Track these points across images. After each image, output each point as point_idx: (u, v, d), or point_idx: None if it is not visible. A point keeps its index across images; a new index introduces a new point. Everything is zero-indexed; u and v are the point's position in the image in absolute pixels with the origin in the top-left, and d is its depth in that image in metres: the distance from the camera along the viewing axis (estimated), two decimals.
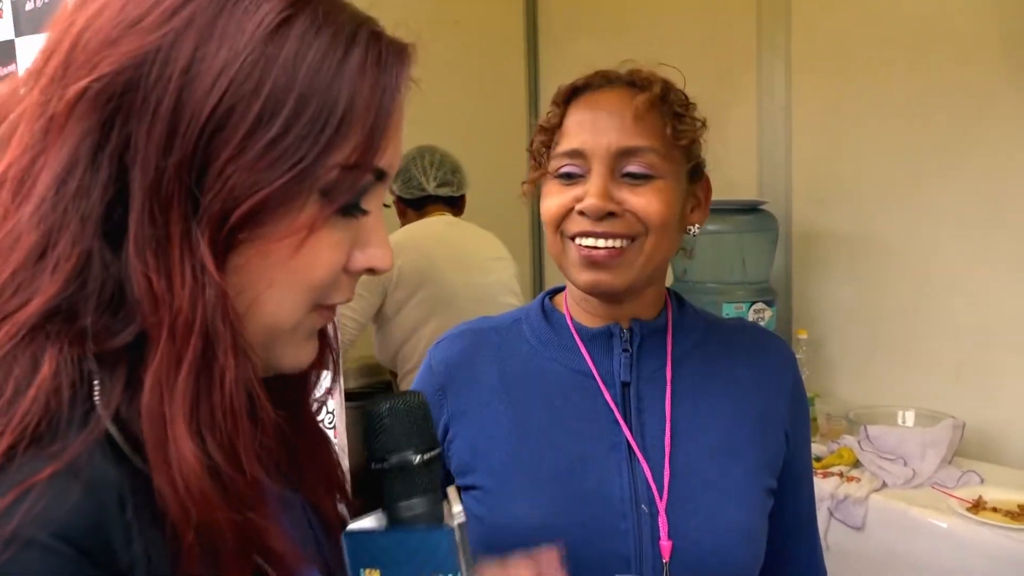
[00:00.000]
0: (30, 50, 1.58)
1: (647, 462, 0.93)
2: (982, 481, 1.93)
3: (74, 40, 0.52)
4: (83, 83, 0.50)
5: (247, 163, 0.51)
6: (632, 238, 0.92)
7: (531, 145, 1.00)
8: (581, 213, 0.91)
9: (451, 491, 0.66)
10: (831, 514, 1.95)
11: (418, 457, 0.63)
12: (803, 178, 2.51)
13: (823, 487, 1.97)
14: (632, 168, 0.91)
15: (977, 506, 1.81)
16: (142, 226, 0.51)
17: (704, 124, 0.98)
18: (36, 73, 0.54)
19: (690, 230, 0.99)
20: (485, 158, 2.66)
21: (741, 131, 2.58)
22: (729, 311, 2.13)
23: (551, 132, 0.96)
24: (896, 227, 2.33)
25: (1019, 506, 1.79)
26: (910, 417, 2.17)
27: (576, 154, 0.93)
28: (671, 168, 0.93)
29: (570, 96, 0.97)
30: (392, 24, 0.59)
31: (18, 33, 1.45)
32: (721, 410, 0.98)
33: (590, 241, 0.91)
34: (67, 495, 0.46)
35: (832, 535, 1.95)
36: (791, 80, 2.50)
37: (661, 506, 0.91)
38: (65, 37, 0.53)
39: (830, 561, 1.94)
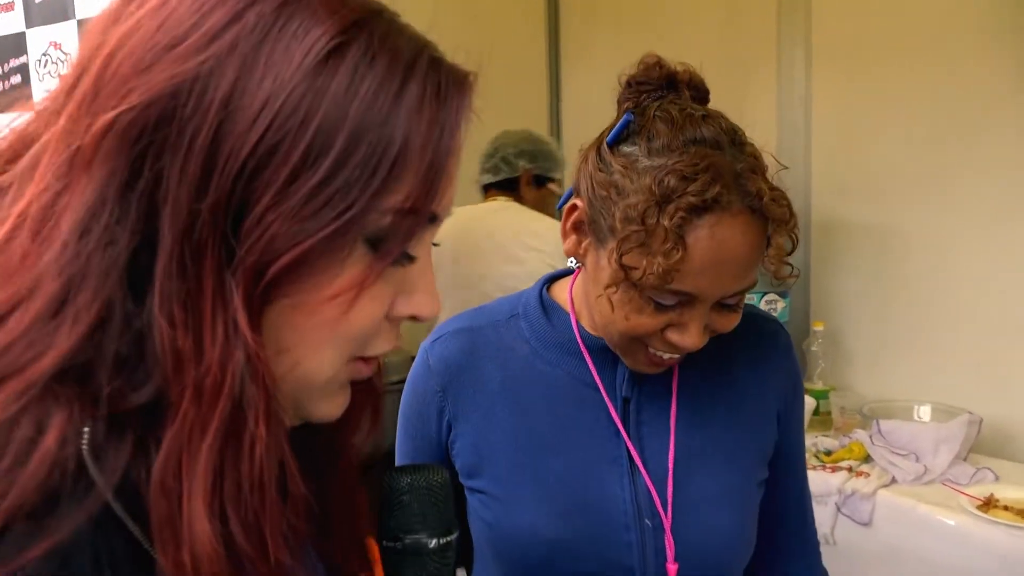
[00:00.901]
0: (40, 42, 1.63)
1: (649, 476, 0.92)
2: (996, 479, 1.89)
3: (105, 61, 0.47)
4: (112, 114, 0.45)
5: (290, 209, 0.46)
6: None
7: (606, 225, 0.85)
8: (670, 341, 0.85)
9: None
10: (838, 509, 1.93)
11: (434, 541, 0.61)
12: (822, 169, 2.47)
13: (831, 481, 1.95)
14: (731, 301, 0.86)
15: (988, 504, 1.77)
16: (170, 275, 0.45)
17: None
18: (64, 93, 0.49)
19: None
20: None
21: (760, 121, 2.51)
22: None
23: (665, 263, 0.78)
24: (916, 219, 2.28)
25: None
26: (926, 412, 2.13)
27: (686, 295, 0.82)
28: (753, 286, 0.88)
29: (699, 207, 0.79)
30: (425, 27, 0.53)
31: (29, 24, 1.49)
32: (720, 410, 0.97)
33: (663, 356, 0.88)
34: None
35: (839, 530, 1.93)
36: (811, 71, 2.47)
37: (667, 524, 0.91)
38: (95, 56, 0.47)
39: (836, 556, 1.93)
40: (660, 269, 0.79)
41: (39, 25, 1.43)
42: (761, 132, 2.70)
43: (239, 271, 0.46)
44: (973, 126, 2.14)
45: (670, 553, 0.90)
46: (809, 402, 2.22)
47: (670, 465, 0.92)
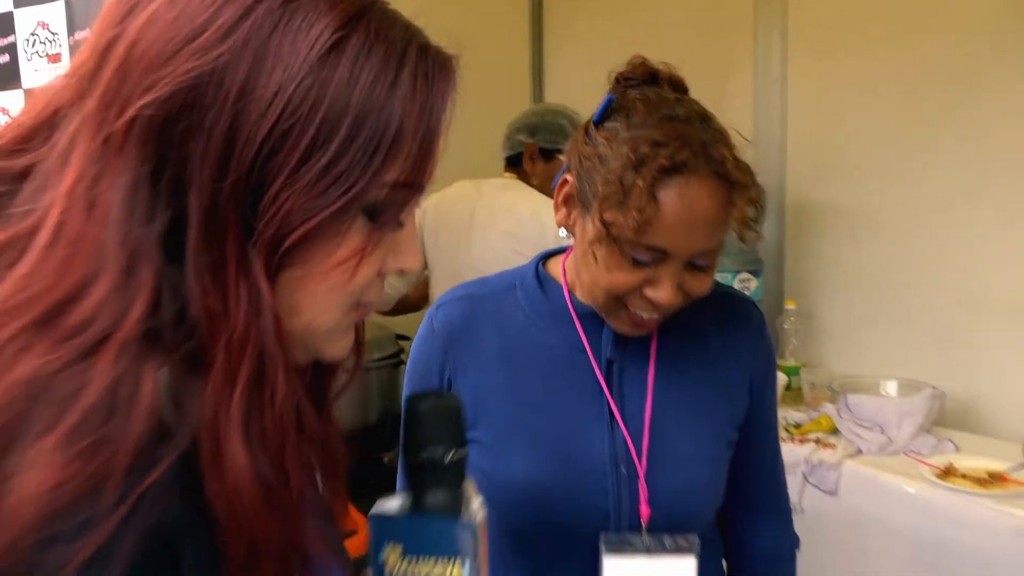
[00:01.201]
0: (29, 22, 1.67)
1: (627, 430, 1.01)
2: (957, 450, 1.96)
3: (127, 51, 0.51)
4: (141, 103, 0.50)
5: (302, 188, 0.51)
6: (677, 308, 0.97)
7: (589, 190, 0.95)
8: (647, 298, 0.94)
9: (470, 487, 0.71)
10: (805, 479, 2.00)
11: (448, 455, 0.69)
12: (798, 152, 2.54)
13: (798, 452, 2.02)
14: (701, 262, 0.95)
15: (947, 473, 1.84)
16: (199, 248, 0.51)
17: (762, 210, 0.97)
18: (87, 77, 0.53)
19: None
20: (487, 134, 2.70)
21: (737, 104, 2.60)
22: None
23: (640, 212, 0.89)
24: (887, 201, 2.34)
25: (988, 473, 1.81)
26: (892, 387, 2.19)
27: (659, 251, 0.92)
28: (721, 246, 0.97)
29: (665, 171, 0.89)
30: (412, 13, 0.58)
31: (17, 4, 1.53)
32: (694, 375, 1.06)
33: (643, 315, 0.97)
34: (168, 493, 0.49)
35: (806, 499, 2.00)
36: (787, 55, 2.52)
37: (641, 472, 1.00)
38: (115, 45, 0.52)
39: (804, 524, 1.99)
40: (635, 223, 0.88)
41: (27, 5, 1.47)
42: (738, 115, 2.80)
43: (258, 243, 0.52)
44: (943, 110, 2.20)
45: (643, 497, 0.99)
46: (781, 378, 2.29)
47: (646, 421, 1.01)
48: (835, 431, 2.08)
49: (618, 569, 0.97)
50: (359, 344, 0.67)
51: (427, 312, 1.12)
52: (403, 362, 2.65)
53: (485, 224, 2.31)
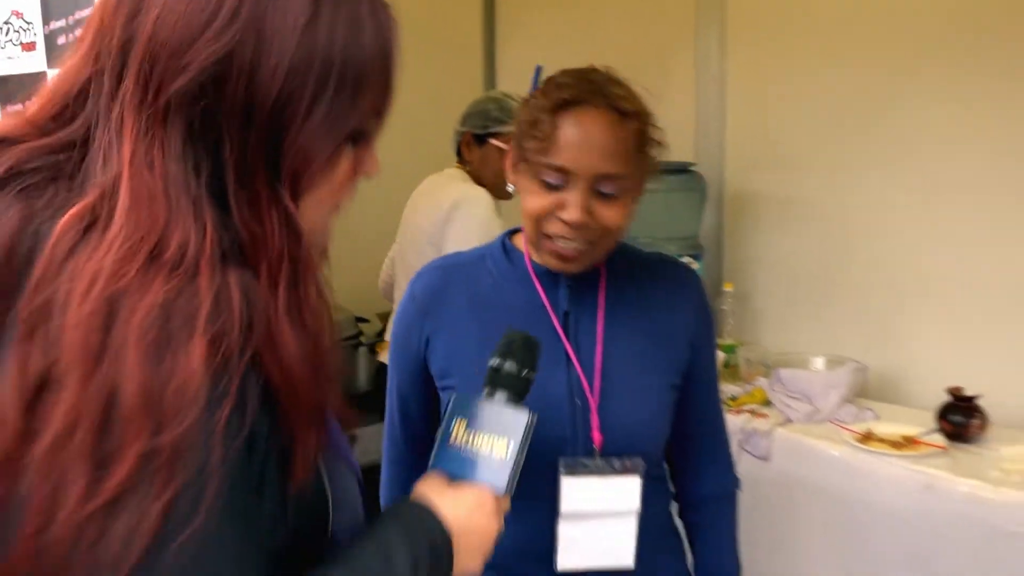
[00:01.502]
0: (3, 11, 1.74)
1: (582, 370, 1.17)
2: (876, 417, 2.15)
3: (149, 39, 0.64)
4: (176, 85, 0.63)
5: (310, 131, 0.66)
6: (594, 242, 1.13)
7: (517, 137, 1.14)
8: (561, 220, 1.10)
9: (528, 410, 0.92)
10: (741, 446, 2.17)
11: (523, 372, 0.93)
12: (735, 143, 2.71)
13: (735, 422, 2.18)
14: (606, 189, 1.10)
15: (867, 438, 2.02)
16: (238, 189, 0.65)
17: (663, 145, 1.16)
18: (115, 68, 0.66)
19: None
20: (440, 124, 2.80)
21: (679, 100, 2.76)
22: None
23: (543, 140, 1.09)
24: (818, 191, 2.53)
25: (903, 437, 2.00)
26: (820, 362, 2.38)
27: (563, 170, 1.09)
28: (633, 184, 1.14)
29: (560, 105, 1.09)
30: None
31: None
32: (639, 327, 1.22)
33: (563, 243, 1.12)
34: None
35: (742, 465, 2.16)
36: (726, 52, 2.69)
37: (593, 404, 1.16)
38: (137, 36, 0.64)
39: (740, 489, 2.17)
40: (540, 144, 1.09)
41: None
42: (679, 109, 2.96)
43: (283, 179, 0.67)
44: (869, 105, 2.39)
45: (595, 425, 1.15)
46: (719, 356, 2.46)
47: (597, 362, 1.17)
48: (768, 402, 2.25)
49: (574, 487, 1.13)
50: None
51: (409, 282, 1.28)
52: (362, 343, 2.77)
53: (408, 219, 2.46)
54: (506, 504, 0.89)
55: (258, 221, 0.66)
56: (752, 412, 2.21)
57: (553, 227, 1.11)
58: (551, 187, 1.10)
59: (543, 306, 1.19)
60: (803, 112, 2.53)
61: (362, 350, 2.72)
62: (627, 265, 1.25)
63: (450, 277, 1.24)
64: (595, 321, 1.19)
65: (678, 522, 1.36)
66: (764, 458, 2.14)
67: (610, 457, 1.15)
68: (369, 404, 1.83)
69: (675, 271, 1.29)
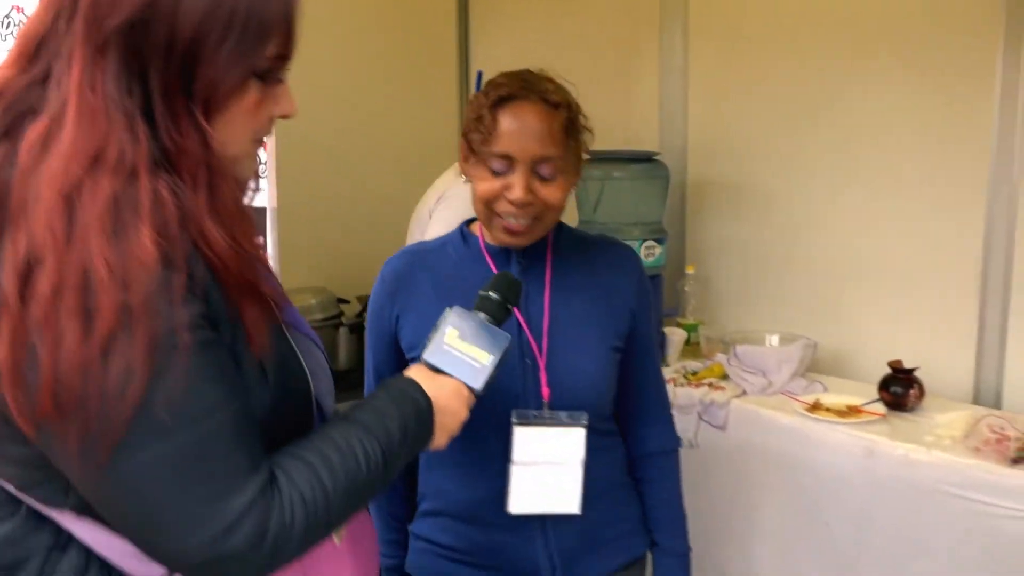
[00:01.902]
0: (3, 6, 1.83)
1: (531, 334, 1.34)
2: (825, 389, 2.33)
3: None
4: (113, 22, 0.80)
5: (219, 65, 0.83)
6: (538, 217, 1.31)
7: (465, 133, 1.34)
8: (508, 200, 1.28)
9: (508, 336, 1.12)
10: (700, 417, 2.33)
11: (505, 302, 1.15)
12: (697, 134, 2.86)
13: (694, 395, 2.35)
14: (544, 171, 1.29)
15: (815, 407, 2.20)
16: (162, 109, 0.83)
17: (591, 132, 1.37)
18: (66, 12, 0.82)
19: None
20: (413, 120, 2.90)
21: (645, 93, 2.92)
22: None
23: (486, 133, 1.29)
24: (773, 177, 2.69)
25: (847, 407, 2.18)
26: (774, 339, 2.55)
27: (506, 156, 1.28)
28: (568, 165, 1.32)
29: (499, 102, 1.29)
30: None
31: None
32: (583, 297, 1.39)
33: (512, 220, 1.30)
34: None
35: (700, 434, 2.34)
36: (689, 48, 2.84)
37: (542, 363, 1.33)
38: None
39: (699, 456, 2.35)
40: (484, 136, 1.28)
41: None
42: (645, 101, 3.12)
43: (199, 103, 0.84)
44: (822, 97, 2.55)
45: (543, 381, 1.32)
46: (681, 333, 2.63)
47: (544, 327, 1.35)
48: (725, 376, 2.42)
49: (525, 436, 1.30)
50: (255, 174, 1.02)
51: (380, 269, 1.44)
52: (343, 324, 2.89)
53: (415, 210, 2.55)
54: (472, 402, 1.07)
55: (179, 134, 0.83)
56: (711, 385, 2.38)
57: (502, 207, 1.29)
58: (497, 173, 1.28)
59: None
60: (759, 105, 2.69)
61: (343, 330, 2.84)
62: (573, 245, 1.42)
63: (416, 262, 1.42)
64: (543, 292, 1.36)
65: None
66: (721, 427, 2.30)
67: (558, 411, 1.31)
68: (350, 381, 1.94)
69: (616, 250, 1.47)
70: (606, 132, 2.65)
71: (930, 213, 2.37)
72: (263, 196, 1.95)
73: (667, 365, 2.55)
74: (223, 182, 0.86)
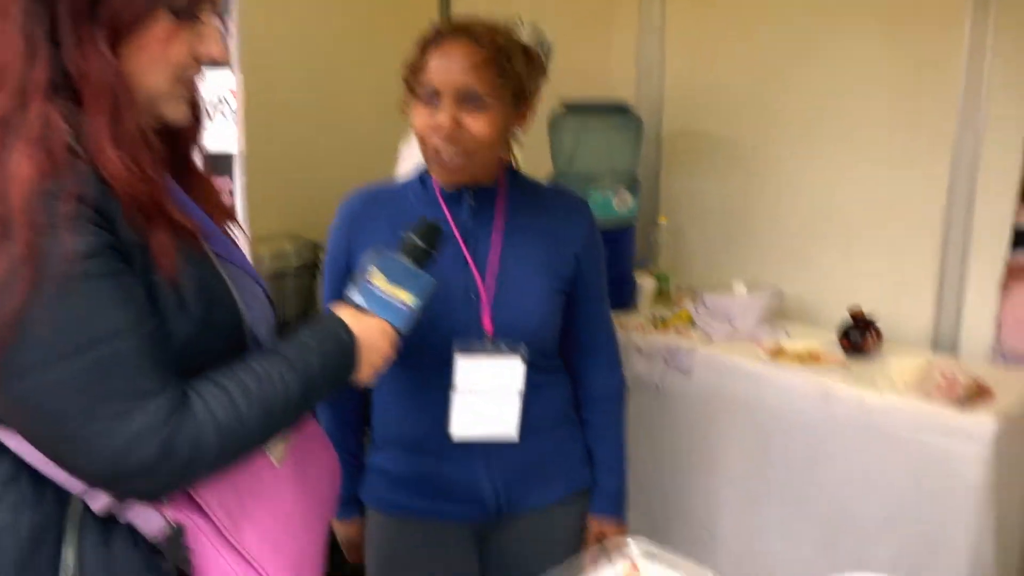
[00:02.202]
0: None
1: (477, 272, 1.39)
2: (788, 336, 2.39)
3: None
4: None
5: None
6: (470, 153, 1.34)
7: (404, 77, 1.39)
8: (435, 131, 1.32)
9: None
10: (666, 362, 2.39)
11: (426, 246, 1.17)
12: (674, 87, 2.89)
13: (662, 341, 2.41)
14: (470, 103, 1.32)
15: (777, 353, 2.26)
16: (68, 36, 0.86)
17: (538, 62, 1.40)
18: None
19: (515, 133, 1.44)
20: (393, 53, 2.88)
21: (623, 45, 2.95)
22: (596, 195, 2.51)
23: (417, 72, 1.35)
24: (746, 130, 2.73)
25: (808, 353, 2.24)
26: (742, 288, 2.60)
27: (433, 89, 1.33)
28: (499, 103, 1.35)
29: (428, 43, 1.35)
30: None
31: None
32: (530, 240, 1.44)
33: (444, 154, 1.34)
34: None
35: (666, 380, 2.40)
36: (666, 5, 2.86)
37: (486, 299, 1.39)
38: None
39: (665, 400, 2.42)
40: (416, 75, 1.35)
41: None
42: (623, 56, 3.14)
43: (103, 31, 0.87)
44: (794, 55, 2.58)
45: (486, 315, 1.38)
46: (651, 283, 2.68)
47: (490, 265, 1.40)
48: (692, 323, 2.48)
49: (466, 366, 1.35)
50: (196, 113, 1.06)
51: (338, 208, 1.48)
52: (319, 268, 2.93)
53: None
54: (397, 341, 1.11)
55: (83, 59, 0.87)
56: (677, 332, 2.43)
57: (434, 141, 1.34)
58: (428, 106, 1.33)
59: (447, 221, 1.41)
60: (734, 59, 2.72)
61: (319, 275, 2.88)
62: (526, 192, 1.47)
63: (373, 201, 1.46)
64: (491, 233, 1.42)
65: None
66: (686, 373, 2.36)
67: (499, 341, 1.37)
68: None
69: (568, 199, 1.53)
70: (585, 84, 2.72)
71: (897, 165, 2.41)
72: (230, 141, 1.96)
73: (637, 313, 2.60)
74: (128, 111, 0.88)
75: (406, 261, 1.14)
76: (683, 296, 2.63)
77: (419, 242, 1.16)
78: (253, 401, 0.91)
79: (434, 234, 1.19)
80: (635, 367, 2.44)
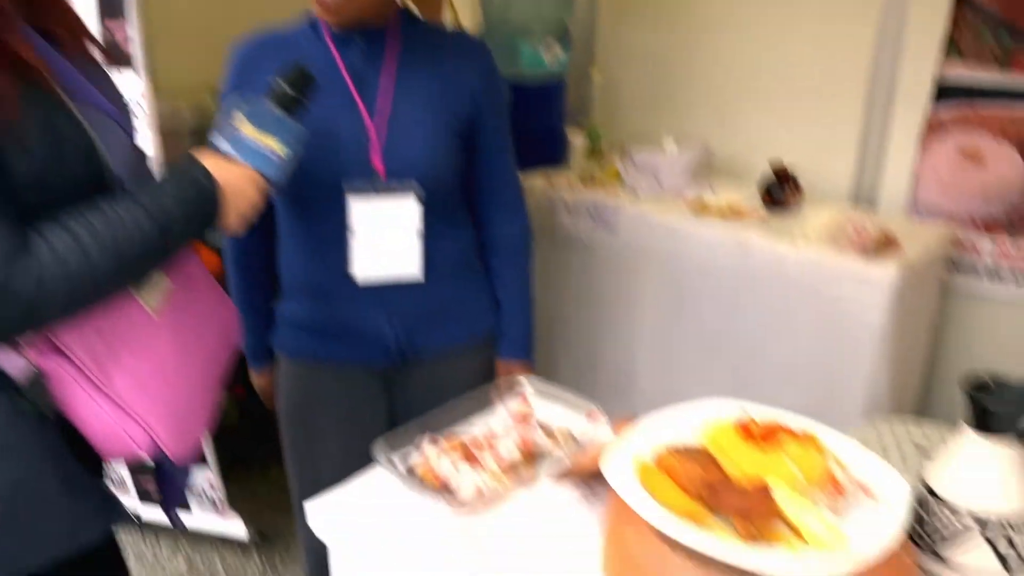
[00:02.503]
0: None
1: (369, 115, 1.37)
2: (714, 192, 2.41)
3: None
4: None
5: None
6: None
7: None
8: None
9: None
10: (592, 218, 2.41)
11: (294, 93, 1.12)
12: None
13: (586, 196, 2.42)
14: None
15: (700, 208, 2.28)
16: None
17: None
18: None
19: None
20: None
21: None
22: (525, 47, 2.44)
23: None
24: None
25: (729, 208, 2.27)
26: (672, 144, 2.59)
27: None
28: None
29: None
30: None
31: None
32: (424, 80, 1.42)
33: None
34: None
35: (592, 235, 2.42)
36: None
37: (376, 139, 1.37)
38: None
39: (590, 256, 2.44)
40: None
41: None
42: None
43: None
44: None
45: (378, 156, 1.36)
46: (583, 139, 2.66)
47: (379, 106, 1.38)
48: (621, 180, 2.48)
49: (361, 208, 1.35)
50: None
51: (232, 50, 1.44)
52: None
53: None
54: (266, 188, 1.10)
55: None
56: (605, 188, 2.44)
57: None
58: None
59: (337, 65, 1.38)
60: None
61: None
62: (422, 36, 1.43)
63: (263, 45, 1.42)
64: (380, 74, 1.39)
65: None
66: (612, 229, 2.39)
67: (391, 181, 1.37)
68: None
69: (467, 42, 1.50)
70: None
71: (825, 22, 2.38)
72: None
73: (569, 169, 2.60)
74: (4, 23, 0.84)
75: (275, 108, 1.10)
76: (613, 153, 2.62)
77: (288, 89, 1.12)
78: (103, 243, 0.90)
79: (305, 81, 1.14)
80: (563, 223, 2.46)
